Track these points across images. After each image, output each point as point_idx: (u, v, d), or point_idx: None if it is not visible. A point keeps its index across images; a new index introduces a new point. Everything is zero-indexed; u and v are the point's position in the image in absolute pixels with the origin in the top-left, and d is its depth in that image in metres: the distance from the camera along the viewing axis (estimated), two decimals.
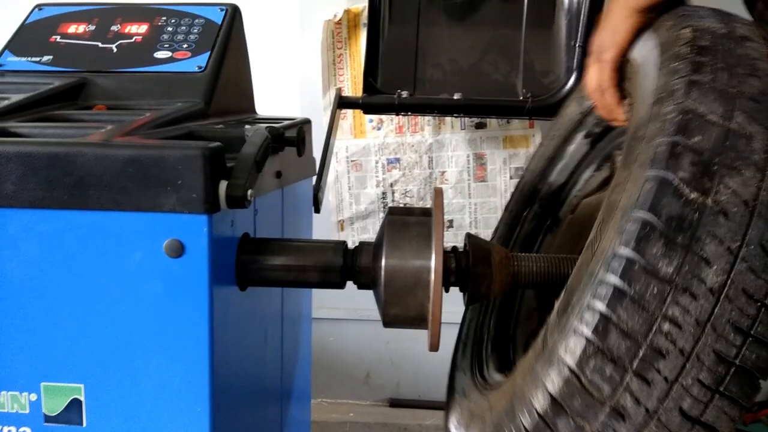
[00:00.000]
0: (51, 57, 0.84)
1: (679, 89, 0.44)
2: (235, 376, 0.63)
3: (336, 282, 0.63)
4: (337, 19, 1.47)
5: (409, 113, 1.38)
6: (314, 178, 1.05)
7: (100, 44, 0.85)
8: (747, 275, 0.39)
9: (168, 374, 0.55)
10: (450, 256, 0.61)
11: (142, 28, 0.86)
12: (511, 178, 1.55)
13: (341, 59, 1.51)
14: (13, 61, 0.85)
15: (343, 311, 1.59)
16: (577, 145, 0.85)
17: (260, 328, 0.73)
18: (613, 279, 0.39)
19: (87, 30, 0.87)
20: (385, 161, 1.55)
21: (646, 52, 0.54)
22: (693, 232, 0.39)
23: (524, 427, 0.43)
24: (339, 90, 1.40)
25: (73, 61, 0.83)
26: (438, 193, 0.60)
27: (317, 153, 1.08)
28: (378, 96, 1.31)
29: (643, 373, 0.39)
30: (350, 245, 0.65)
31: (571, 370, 0.40)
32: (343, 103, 1.35)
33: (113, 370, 0.55)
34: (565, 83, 1.32)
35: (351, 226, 1.57)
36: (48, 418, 0.56)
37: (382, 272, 0.59)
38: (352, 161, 1.51)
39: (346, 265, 0.62)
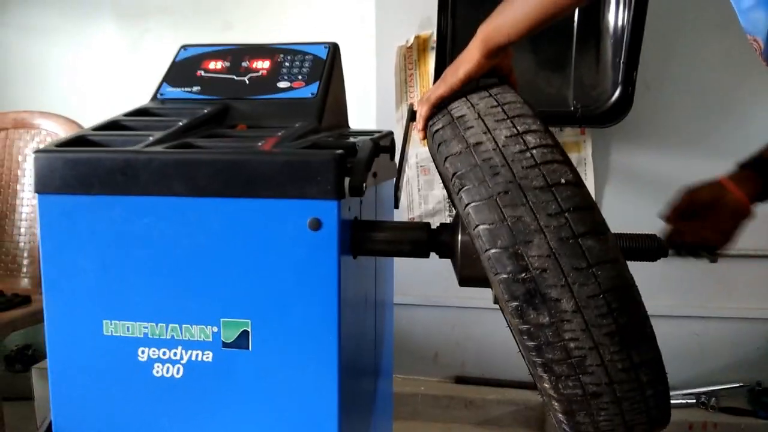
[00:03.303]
0: (199, 87, 1.09)
1: (469, 214, 0.63)
2: (350, 320, 0.85)
3: (423, 252, 0.84)
4: (409, 44, 1.69)
5: None
6: (394, 180, 1.27)
7: (235, 77, 1.10)
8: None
9: (308, 315, 0.75)
10: None
11: (266, 64, 1.11)
12: None
13: (412, 79, 1.73)
14: (171, 91, 1.10)
15: (414, 297, 1.79)
16: None
17: (363, 291, 0.96)
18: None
19: (224, 66, 1.12)
20: None
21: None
22: (541, 291, 0.59)
23: None
24: (411, 105, 1.62)
25: (216, 91, 1.07)
26: None
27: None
28: None
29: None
30: None
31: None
32: (414, 116, 1.57)
33: (272, 310, 0.75)
34: (612, 95, 1.49)
35: None
36: (225, 344, 0.77)
37: (459, 245, 0.80)
38: (420, 166, 1.71)
39: (430, 240, 0.83)
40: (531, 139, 0.64)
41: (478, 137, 0.66)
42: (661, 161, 1.86)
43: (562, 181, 0.60)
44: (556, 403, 0.63)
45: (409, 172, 1.76)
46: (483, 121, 0.68)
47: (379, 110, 1.77)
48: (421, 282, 1.76)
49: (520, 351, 0.67)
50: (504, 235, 0.60)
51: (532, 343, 0.60)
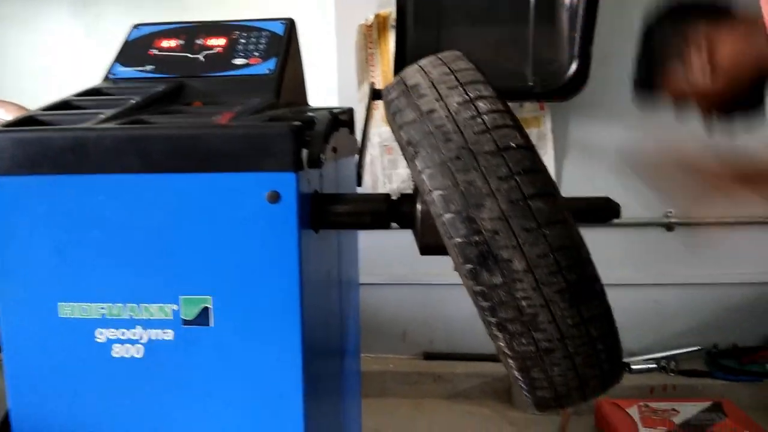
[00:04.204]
0: (152, 66, 1.07)
1: (423, 181, 0.64)
2: (313, 295, 0.85)
3: (383, 223, 0.85)
4: (369, 23, 1.68)
5: None
6: (356, 157, 1.27)
7: (189, 55, 1.08)
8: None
9: (270, 289, 0.75)
10: None
11: (221, 41, 1.09)
12: None
13: (372, 57, 1.73)
14: (123, 70, 1.08)
15: (381, 276, 1.81)
16: None
17: (326, 266, 0.96)
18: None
19: (177, 44, 1.10)
20: None
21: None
22: (493, 252, 0.60)
23: None
24: (372, 84, 1.62)
25: (170, 69, 1.05)
26: None
27: (357, 137, 1.31)
28: None
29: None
30: None
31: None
32: (376, 95, 1.57)
33: (233, 286, 0.75)
34: (568, 69, 1.52)
35: None
36: (185, 322, 0.76)
37: (418, 214, 0.81)
38: (384, 145, 1.72)
39: (390, 210, 0.84)
40: (482, 105, 0.65)
41: (430, 105, 0.67)
42: (618, 133, 1.91)
43: (512, 145, 0.62)
44: (511, 361, 0.65)
45: (373, 152, 1.77)
46: (436, 88, 0.69)
47: (341, 90, 1.76)
48: (387, 261, 1.77)
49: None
50: (456, 200, 0.61)
51: (486, 303, 0.62)
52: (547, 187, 0.61)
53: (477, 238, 0.60)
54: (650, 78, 0.98)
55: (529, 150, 0.62)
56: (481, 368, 1.83)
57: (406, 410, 1.72)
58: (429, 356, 1.91)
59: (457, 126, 0.64)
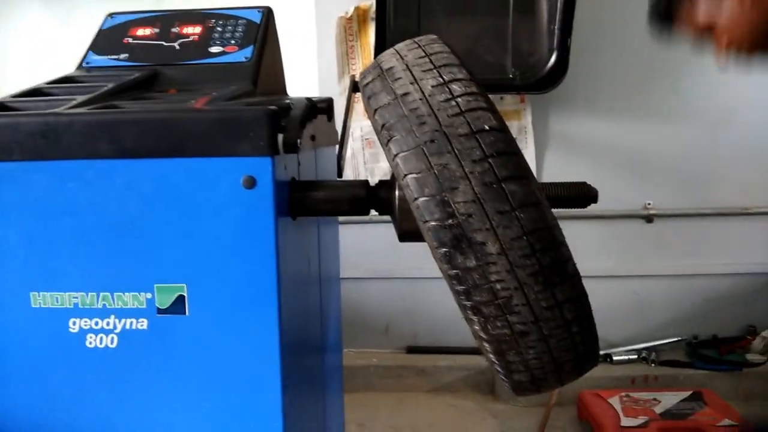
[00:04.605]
0: (127, 54, 1.05)
1: (397, 165, 0.64)
2: (291, 283, 0.84)
3: (362, 210, 0.84)
4: (349, 15, 1.68)
5: None
6: (337, 147, 1.27)
7: (164, 43, 1.06)
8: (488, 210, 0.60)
9: (246, 277, 0.74)
10: None
11: (197, 29, 1.07)
12: None
13: (353, 50, 1.72)
14: (97, 59, 1.06)
15: (364, 270, 1.80)
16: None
17: (305, 255, 0.95)
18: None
19: (152, 32, 1.08)
20: None
21: None
22: (467, 235, 0.60)
23: None
24: (353, 77, 1.61)
25: (145, 57, 1.04)
26: None
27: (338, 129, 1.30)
28: None
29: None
30: None
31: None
32: (356, 87, 1.57)
33: (208, 273, 0.74)
34: (548, 61, 1.52)
35: None
36: (160, 311, 0.75)
37: (396, 200, 0.80)
38: (365, 139, 1.72)
39: (368, 197, 0.83)
40: (456, 87, 0.65)
41: (405, 88, 0.67)
42: (598, 125, 1.93)
43: (486, 127, 0.62)
44: (486, 345, 0.64)
45: (354, 145, 1.76)
46: (411, 71, 0.68)
47: (322, 83, 1.75)
48: (370, 255, 1.77)
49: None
50: (431, 183, 0.61)
51: (461, 287, 0.61)
52: (520, 169, 0.61)
53: (451, 222, 0.60)
54: (671, 6, 0.94)
55: (503, 132, 0.62)
56: (464, 361, 1.83)
57: (390, 404, 1.72)
58: (412, 350, 1.90)
59: (432, 109, 0.63)
